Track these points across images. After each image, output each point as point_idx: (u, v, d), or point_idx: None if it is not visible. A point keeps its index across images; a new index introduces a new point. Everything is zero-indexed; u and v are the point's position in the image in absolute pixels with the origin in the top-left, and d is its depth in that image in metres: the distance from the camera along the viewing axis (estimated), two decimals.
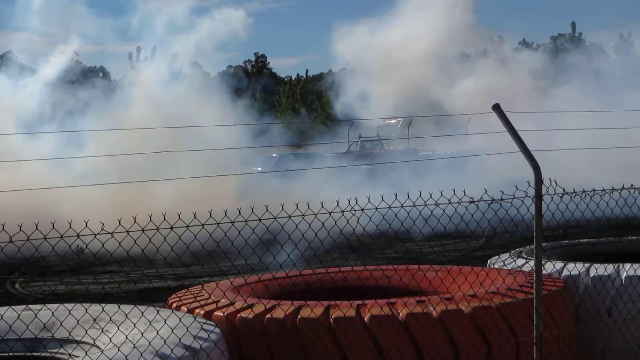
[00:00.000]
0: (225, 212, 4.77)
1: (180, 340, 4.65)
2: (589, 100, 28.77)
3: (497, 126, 5.56)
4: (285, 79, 70.10)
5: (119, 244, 4.56)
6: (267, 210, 4.94)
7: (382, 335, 5.30)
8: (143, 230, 4.57)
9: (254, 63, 75.84)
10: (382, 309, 5.39)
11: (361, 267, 7.11)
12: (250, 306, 5.55)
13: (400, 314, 5.37)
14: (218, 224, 4.79)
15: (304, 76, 68.78)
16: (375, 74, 42.67)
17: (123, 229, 4.52)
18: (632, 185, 6.00)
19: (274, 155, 31.67)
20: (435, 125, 39.57)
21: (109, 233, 4.52)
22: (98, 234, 4.50)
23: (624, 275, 6.49)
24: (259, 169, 29.35)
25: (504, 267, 6.92)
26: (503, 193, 5.52)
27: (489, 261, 7.62)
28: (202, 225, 4.76)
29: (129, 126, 20.47)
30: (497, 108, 5.51)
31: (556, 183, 5.49)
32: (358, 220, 5.24)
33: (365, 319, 5.34)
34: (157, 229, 4.60)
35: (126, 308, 5.24)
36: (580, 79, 34.92)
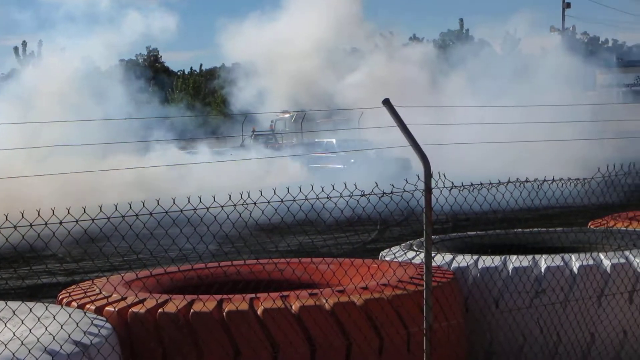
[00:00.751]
0: (116, 206, 4.72)
1: (70, 336, 4.58)
2: (479, 94, 29.33)
3: (389, 120, 5.62)
4: (178, 73, 69.40)
5: (7, 239, 4.47)
6: (158, 204, 4.91)
7: (275, 328, 5.31)
8: (31, 225, 4.49)
9: (145, 57, 74.98)
10: (275, 302, 5.41)
11: (254, 261, 7.11)
12: (142, 301, 5.51)
13: (293, 307, 5.39)
14: (109, 218, 4.73)
15: (197, 70, 68.25)
16: (267, 68, 42.68)
17: (10, 224, 4.43)
18: (517, 178, 6.13)
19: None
20: (329, 119, 39.86)
21: None
22: None
23: (510, 266, 6.64)
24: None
25: (395, 260, 7.01)
26: (393, 186, 5.59)
27: (380, 254, 7.70)
28: (92, 220, 4.70)
29: (19, 120, 20.08)
30: (387, 103, 5.57)
31: (445, 176, 5.57)
32: (250, 214, 5.24)
33: (258, 312, 5.35)
34: (46, 224, 4.53)
35: (14, 304, 5.14)
36: (469, 73, 35.53)
